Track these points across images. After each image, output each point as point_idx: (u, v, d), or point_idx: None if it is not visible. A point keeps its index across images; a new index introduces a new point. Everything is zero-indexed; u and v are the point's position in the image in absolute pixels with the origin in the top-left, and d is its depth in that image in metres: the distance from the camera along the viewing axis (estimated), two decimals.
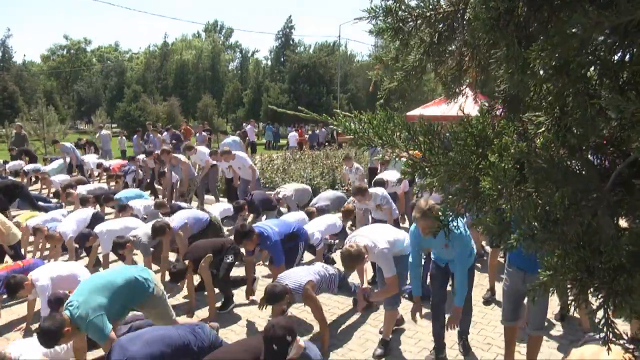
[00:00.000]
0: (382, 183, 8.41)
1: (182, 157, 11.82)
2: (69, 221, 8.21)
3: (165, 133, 19.50)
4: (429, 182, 1.47)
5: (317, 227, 7.50)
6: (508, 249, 1.37)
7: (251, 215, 9.39)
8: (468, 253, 4.57)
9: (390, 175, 9.23)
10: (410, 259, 4.85)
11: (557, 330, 5.66)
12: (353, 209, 8.63)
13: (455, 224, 4.32)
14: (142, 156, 14.90)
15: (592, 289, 1.21)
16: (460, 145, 1.39)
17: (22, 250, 8.53)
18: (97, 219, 8.41)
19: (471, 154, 1.38)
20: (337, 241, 8.52)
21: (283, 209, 9.92)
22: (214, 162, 11.89)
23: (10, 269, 6.16)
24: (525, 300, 4.59)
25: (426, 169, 1.46)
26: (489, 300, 6.41)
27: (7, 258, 7.73)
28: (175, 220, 7.30)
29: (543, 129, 1.31)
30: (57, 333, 4.00)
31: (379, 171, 13.04)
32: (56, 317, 4.15)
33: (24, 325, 5.90)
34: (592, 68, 1.26)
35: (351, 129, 1.56)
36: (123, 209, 9.28)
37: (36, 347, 4.47)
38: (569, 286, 1.23)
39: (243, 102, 51.85)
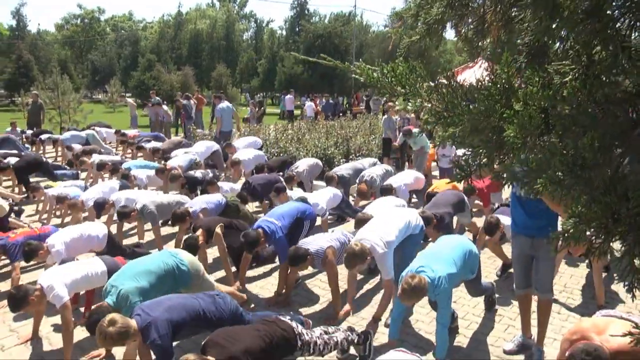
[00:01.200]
0: (389, 191, 8.23)
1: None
2: (92, 190, 8.35)
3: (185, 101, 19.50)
4: (450, 133, 1.45)
5: (322, 198, 7.66)
6: (534, 194, 1.35)
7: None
8: (450, 312, 4.51)
9: (401, 179, 8.85)
10: (394, 311, 4.71)
11: (570, 303, 5.66)
12: (367, 189, 8.68)
13: (441, 282, 4.31)
14: None
15: (617, 236, 1.20)
16: (484, 95, 1.37)
17: (40, 217, 8.70)
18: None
19: (495, 103, 1.35)
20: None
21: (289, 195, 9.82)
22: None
23: (26, 234, 6.25)
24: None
25: (449, 120, 1.44)
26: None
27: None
28: (196, 205, 7.30)
29: (570, 77, 1.28)
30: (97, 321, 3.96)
31: (394, 142, 12.99)
32: (101, 308, 4.22)
33: None
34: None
35: (373, 78, 1.54)
36: (126, 177, 9.46)
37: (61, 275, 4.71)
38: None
39: (257, 72, 51.58)
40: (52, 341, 4.96)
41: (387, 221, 5.21)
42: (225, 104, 15.35)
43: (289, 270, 5.82)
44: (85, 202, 7.99)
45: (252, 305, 5.58)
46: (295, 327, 4.02)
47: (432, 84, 1.47)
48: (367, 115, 22.30)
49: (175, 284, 4.72)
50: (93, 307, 4.51)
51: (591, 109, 1.23)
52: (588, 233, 1.24)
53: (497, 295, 5.58)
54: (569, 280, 6.16)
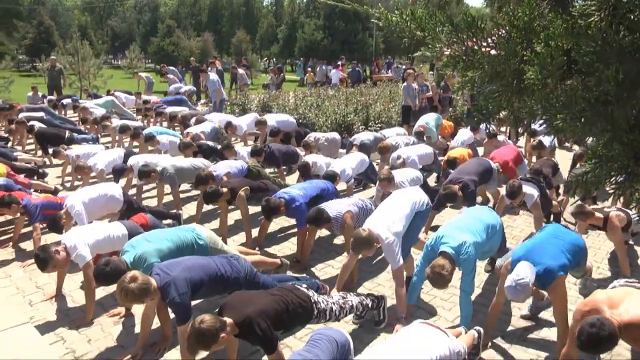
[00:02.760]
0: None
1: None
2: (100, 156, 8.46)
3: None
4: (470, 78, 1.42)
5: (349, 164, 7.61)
6: (554, 133, 1.32)
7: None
8: (471, 278, 4.41)
9: (414, 151, 8.45)
10: (414, 278, 4.73)
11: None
12: (390, 146, 8.62)
13: (465, 250, 4.23)
14: None
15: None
16: (504, 38, 1.33)
17: (62, 179, 8.85)
18: (128, 156, 8.54)
19: (516, 45, 1.31)
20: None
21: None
22: None
23: (48, 199, 6.39)
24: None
25: (468, 63, 1.40)
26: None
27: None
28: (220, 169, 7.31)
29: (595, 18, 1.23)
30: (119, 275, 4.02)
31: (414, 108, 12.86)
32: (114, 260, 4.28)
33: None
34: None
35: (392, 22, 1.50)
36: (150, 139, 9.57)
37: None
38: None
39: (277, 38, 51.13)
40: (75, 298, 5.08)
41: (393, 210, 5.08)
42: (214, 76, 15.63)
43: (307, 236, 5.86)
44: (93, 166, 8.10)
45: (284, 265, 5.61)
46: (312, 295, 4.01)
47: (452, 27, 1.42)
48: (387, 82, 21.96)
49: (192, 253, 4.72)
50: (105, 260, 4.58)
51: (618, 42, 1.17)
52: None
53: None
54: (593, 258, 6.03)
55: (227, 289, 4.23)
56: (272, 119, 11.51)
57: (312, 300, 3.95)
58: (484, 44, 1.39)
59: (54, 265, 4.65)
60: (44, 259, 4.57)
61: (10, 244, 6.36)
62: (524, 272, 3.84)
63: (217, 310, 3.69)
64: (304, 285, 4.19)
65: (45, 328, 4.57)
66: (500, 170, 7.51)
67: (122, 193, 6.29)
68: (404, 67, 24.98)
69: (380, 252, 5.70)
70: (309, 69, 32.54)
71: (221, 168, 7.35)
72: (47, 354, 4.13)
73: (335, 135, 10.25)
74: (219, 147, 9.31)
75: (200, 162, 7.99)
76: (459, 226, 4.64)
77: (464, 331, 4.19)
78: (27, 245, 6.28)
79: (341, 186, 7.51)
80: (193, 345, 3.32)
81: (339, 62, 30.32)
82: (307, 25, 45.87)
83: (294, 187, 6.39)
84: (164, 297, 3.81)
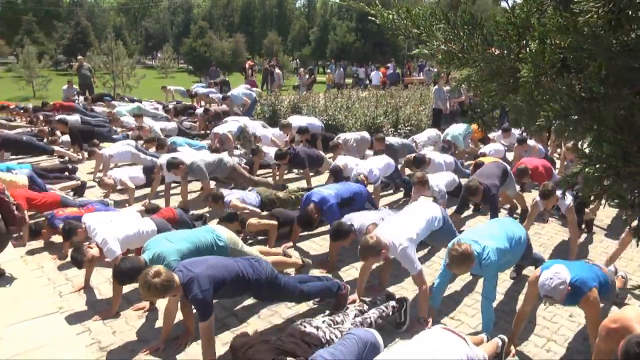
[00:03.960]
0: (422, 161, 8.08)
1: None
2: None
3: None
4: (466, 76, 1.43)
5: (376, 165, 7.55)
6: (536, 132, 1.32)
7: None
8: (493, 287, 4.35)
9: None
10: (437, 280, 4.67)
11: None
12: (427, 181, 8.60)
13: (488, 255, 4.17)
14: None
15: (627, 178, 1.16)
16: (501, 36, 1.33)
17: (94, 176, 9.08)
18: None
19: (511, 42, 1.31)
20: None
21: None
22: None
23: (73, 214, 6.37)
24: None
25: (464, 61, 1.41)
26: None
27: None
28: (231, 196, 7.24)
29: (593, 15, 1.21)
30: (136, 272, 4.15)
31: (445, 112, 12.76)
32: (132, 258, 4.42)
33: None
34: None
35: (388, 20, 1.52)
36: (173, 149, 9.72)
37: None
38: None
39: (309, 40, 51.29)
40: (102, 291, 5.22)
41: (407, 220, 5.04)
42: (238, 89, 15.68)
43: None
44: (103, 155, 8.40)
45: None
46: (324, 335, 3.90)
47: (448, 25, 1.43)
48: (418, 85, 21.82)
49: (211, 254, 4.74)
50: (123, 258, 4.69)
51: (610, 39, 1.16)
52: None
53: None
54: (625, 268, 5.87)
55: (248, 290, 4.30)
56: (298, 122, 11.53)
57: (324, 341, 3.85)
58: (480, 41, 1.40)
59: (89, 261, 4.87)
60: (78, 260, 4.81)
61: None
62: (561, 269, 3.80)
63: None
64: (316, 323, 4.07)
65: (73, 318, 4.72)
66: (530, 175, 7.40)
67: (155, 230, 5.72)
68: (435, 69, 24.81)
69: None
70: (328, 70, 32.72)
71: (232, 196, 6.94)
72: (74, 343, 4.26)
73: (365, 134, 10.23)
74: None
75: (223, 155, 8.11)
76: (482, 232, 4.62)
77: (486, 338, 4.15)
78: (58, 239, 6.46)
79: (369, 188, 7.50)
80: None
81: (388, 65, 30.68)
82: (339, 27, 45.93)
83: (326, 187, 6.41)
84: (186, 293, 3.86)
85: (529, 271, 5.33)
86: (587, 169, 1.19)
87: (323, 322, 4.12)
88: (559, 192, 5.69)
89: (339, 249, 5.90)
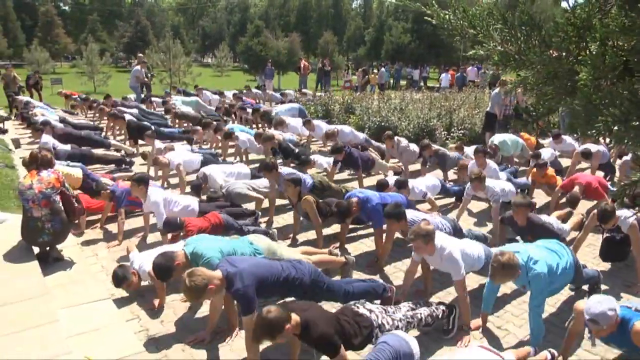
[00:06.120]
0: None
1: None
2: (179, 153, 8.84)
3: None
4: (523, 78, 1.39)
5: (422, 183, 7.55)
6: (596, 136, 1.26)
7: None
8: (541, 300, 4.21)
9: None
10: (487, 285, 4.60)
11: None
12: (467, 165, 8.50)
13: (535, 265, 4.05)
14: None
15: None
16: (560, 37, 1.29)
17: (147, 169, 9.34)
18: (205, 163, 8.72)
19: (571, 44, 1.27)
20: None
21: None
22: None
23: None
24: None
25: (520, 63, 1.37)
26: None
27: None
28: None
29: None
30: (169, 268, 4.36)
31: (499, 117, 12.43)
32: (167, 253, 4.54)
33: (141, 233, 6.57)
34: None
35: (445, 20, 1.50)
36: (228, 136, 9.87)
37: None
38: None
39: (364, 40, 51.13)
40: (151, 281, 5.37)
41: (458, 240, 4.98)
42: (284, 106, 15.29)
43: (384, 240, 5.85)
44: (170, 162, 8.37)
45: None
46: (375, 319, 3.96)
47: (505, 26, 1.39)
48: (473, 88, 21.39)
49: None
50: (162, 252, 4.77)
51: None
52: None
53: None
54: None
55: (291, 291, 4.31)
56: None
57: (375, 325, 3.91)
58: (538, 42, 1.36)
59: (127, 286, 4.96)
60: (122, 278, 4.89)
61: (98, 225, 6.82)
62: (610, 299, 3.64)
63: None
64: (370, 307, 4.13)
65: (123, 305, 4.88)
66: (584, 192, 7.12)
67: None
68: (491, 72, 24.30)
69: None
70: (375, 71, 32.64)
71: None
72: (124, 329, 4.39)
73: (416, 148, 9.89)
74: (297, 150, 9.55)
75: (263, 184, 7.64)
76: (532, 247, 4.49)
77: (532, 351, 4.04)
78: (113, 228, 6.69)
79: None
80: (258, 333, 3.42)
81: (452, 67, 30.77)
82: (394, 28, 45.56)
83: (372, 192, 6.40)
84: (228, 287, 3.89)
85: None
86: None
87: (377, 307, 4.15)
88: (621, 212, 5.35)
89: (388, 250, 5.83)
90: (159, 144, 9.77)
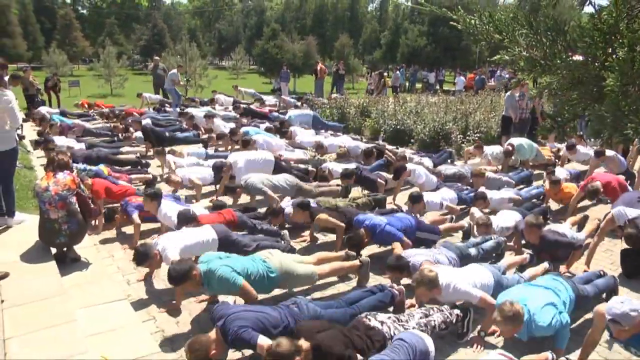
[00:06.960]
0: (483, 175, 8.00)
1: None
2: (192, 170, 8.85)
3: None
4: (546, 84, 1.37)
5: (437, 196, 7.55)
6: (623, 142, 1.25)
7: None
8: (566, 323, 4.10)
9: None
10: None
11: None
12: (484, 173, 8.52)
13: (534, 323, 3.94)
14: None
15: None
16: (586, 43, 1.27)
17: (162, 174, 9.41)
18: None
19: (597, 50, 1.25)
20: None
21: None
22: None
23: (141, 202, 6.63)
24: None
25: (546, 68, 1.35)
26: None
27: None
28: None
29: None
30: (184, 275, 4.39)
31: (514, 120, 12.31)
32: (185, 261, 4.58)
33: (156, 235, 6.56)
34: None
35: (470, 25, 1.49)
36: (247, 143, 9.87)
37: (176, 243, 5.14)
38: None
39: (380, 43, 51.08)
40: (167, 282, 5.38)
41: (466, 271, 4.97)
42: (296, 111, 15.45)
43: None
44: (183, 178, 8.39)
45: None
46: (387, 331, 3.95)
47: (531, 31, 1.38)
48: (489, 91, 21.22)
49: (262, 285, 4.79)
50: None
51: None
52: None
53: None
54: None
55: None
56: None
57: (388, 337, 3.90)
58: (563, 47, 1.34)
59: (149, 265, 5.15)
60: (143, 255, 5.04)
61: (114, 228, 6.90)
62: (633, 301, 3.58)
63: None
64: (381, 318, 4.11)
65: (139, 306, 4.92)
66: (603, 191, 7.05)
67: (216, 238, 5.63)
68: (507, 75, 24.11)
69: None
70: (385, 73, 32.53)
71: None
72: (140, 330, 4.41)
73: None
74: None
75: (285, 181, 7.87)
76: (530, 298, 4.28)
77: (550, 357, 3.98)
78: (129, 229, 6.74)
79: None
80: None
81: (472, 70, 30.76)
82: (410, 31, 45.50)
83: (377, 216, 6.31)
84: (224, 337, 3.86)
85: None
86: None
87: (388, 317, 4.15)
88: None
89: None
90: (170, 157, 9.58)
